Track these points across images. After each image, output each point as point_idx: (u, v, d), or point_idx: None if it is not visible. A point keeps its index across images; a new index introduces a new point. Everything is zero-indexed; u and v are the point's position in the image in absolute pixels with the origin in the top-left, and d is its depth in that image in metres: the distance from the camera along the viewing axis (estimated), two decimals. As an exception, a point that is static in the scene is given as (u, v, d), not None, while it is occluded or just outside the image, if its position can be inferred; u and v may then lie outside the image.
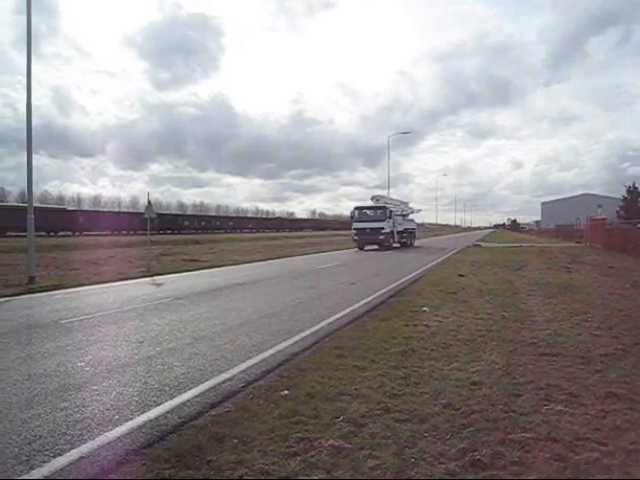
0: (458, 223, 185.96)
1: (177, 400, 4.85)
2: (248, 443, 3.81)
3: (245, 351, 6.68)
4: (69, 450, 3.78)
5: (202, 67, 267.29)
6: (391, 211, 36.64)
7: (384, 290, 12.86)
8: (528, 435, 3.83)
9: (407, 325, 8.02)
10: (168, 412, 4.56)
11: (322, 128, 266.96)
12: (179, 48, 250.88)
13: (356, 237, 36.25)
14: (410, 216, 45.73)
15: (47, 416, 4.46)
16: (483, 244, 43.07)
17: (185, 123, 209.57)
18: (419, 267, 20.06)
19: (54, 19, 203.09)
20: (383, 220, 35.27)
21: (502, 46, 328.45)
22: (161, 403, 4.77)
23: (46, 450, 3.78)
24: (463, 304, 10.13)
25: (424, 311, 9.30)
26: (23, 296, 12.32)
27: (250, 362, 6.14)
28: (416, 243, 44.55)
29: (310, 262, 24.02)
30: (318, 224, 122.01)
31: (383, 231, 35.04)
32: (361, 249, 35.60)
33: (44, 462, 3.59)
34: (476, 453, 3.54)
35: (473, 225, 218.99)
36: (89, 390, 5.16)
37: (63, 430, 4.15)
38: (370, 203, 38.45)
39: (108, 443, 3.91)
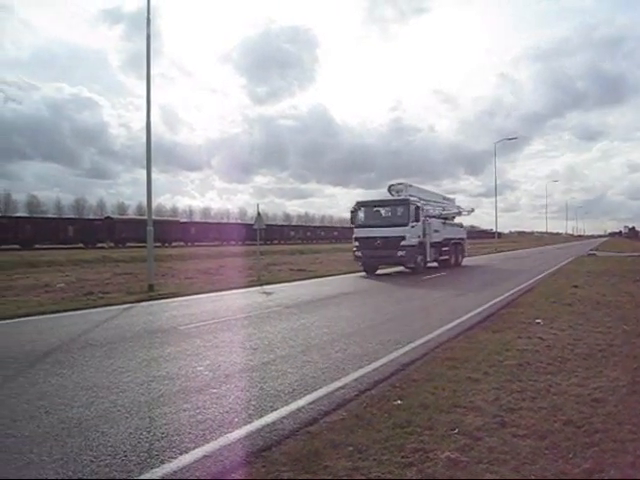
0: (569, 231, 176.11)
1: (292, 406, 4.98)
2: (363, 451, 3.84)
3: (356, 360, 6.74)
4: (194, 449, 4.00)
5: (298, 80, 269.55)
6: (418, 208, 21.83)
7: (493, 301, 12.49)
8: (663, 460, 3.57)
9: (520, 337, 7.75)
10: (284, 417, 4.69)
11: (422, 135, 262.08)
12: (274, 61, 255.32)
13: (359, 252, 22.31)
14: (456, 219, 30.26)
15: (172, 416, 4.74)
16: (598, 253, 40.67)
17: (285, 135, 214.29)
18: (531, 277, 19.27)
19: (157, 42, 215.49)
20: (405, 224, 21.14)
21: (612, 39, 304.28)
22: (277, 409, 4.92)
23: (173, 447, 4.02)
24: (580, 316, 9.62)
25: (538, 323, 8.93)
26: (144, 303, 13.15)
27: (362, 371, 6.19)
28: (514, 254, 41.55)
29: (414, 272, 23.74)
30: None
31: (404, 242, 20.88)
32: (369, 272, 22.49)
33: (172, 458, 3.83)
34: (604, 475, 3.36)
35: (585, 233, 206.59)
36: (209, 393, 5.42)
37: (187, 430, 4.40)
38: (388, 196, 23.74)
39: (229, 444, 4.10)
